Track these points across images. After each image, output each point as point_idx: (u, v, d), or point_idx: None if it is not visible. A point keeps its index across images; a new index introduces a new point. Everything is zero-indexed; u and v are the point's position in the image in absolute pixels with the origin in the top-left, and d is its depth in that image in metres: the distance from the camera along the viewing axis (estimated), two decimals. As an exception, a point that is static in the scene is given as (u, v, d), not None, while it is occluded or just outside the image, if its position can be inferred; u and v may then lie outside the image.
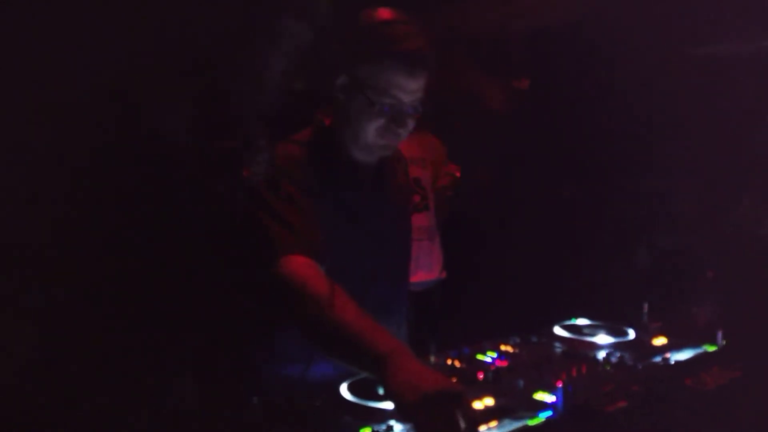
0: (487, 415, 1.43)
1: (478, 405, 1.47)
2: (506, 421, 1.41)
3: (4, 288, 1.31)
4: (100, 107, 1.34)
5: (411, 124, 1.90)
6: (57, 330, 1.37)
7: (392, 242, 2.05)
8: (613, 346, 1.92)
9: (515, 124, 3.91)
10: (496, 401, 1.49)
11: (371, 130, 1.87)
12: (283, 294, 1.67)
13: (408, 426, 1.40)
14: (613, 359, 1.78)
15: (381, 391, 1.40)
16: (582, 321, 2.14)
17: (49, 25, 1.28)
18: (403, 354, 1.42)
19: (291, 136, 2.01)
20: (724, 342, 1.94)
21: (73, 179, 1.35)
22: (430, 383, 1.33)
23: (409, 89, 1.84)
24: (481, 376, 1.66)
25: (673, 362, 1.78)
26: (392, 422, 1.37)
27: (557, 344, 1.96)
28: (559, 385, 1.51)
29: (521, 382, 1.60)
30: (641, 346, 1.93)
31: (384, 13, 1.88)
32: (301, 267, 1.67)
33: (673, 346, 1.93)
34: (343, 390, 1.52)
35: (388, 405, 1.43)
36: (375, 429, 1.33)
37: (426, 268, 3.63)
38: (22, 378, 1.33)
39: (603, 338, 1.96)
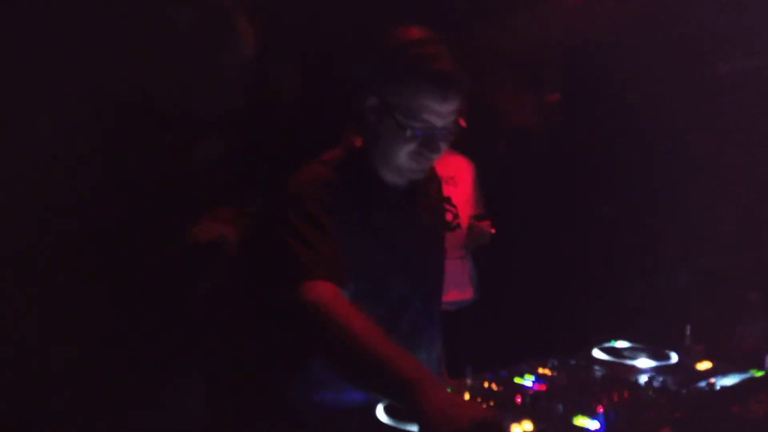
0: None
1: (516, 430, 1.43)
2: (545, 448, 1.38)
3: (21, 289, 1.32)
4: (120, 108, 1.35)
5: (443, 147, 1.85)
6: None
7: (425, 264, 2.02)
8: (655, 370, 1.87)
9: (551, 142, 3.88)
10: (535, 426, 1.45)
11: (402, 154, 1.83)
12: (306, 320, 1.64)
13: None
14: (656, 384, 1.73)
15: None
16: (622, 343, 2.09)
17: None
18: (430, 381, 1.40)
19: (320, 156, 1.98)
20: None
21: (97, 201, 1.36)
22: (466, 415, 1.31)
23: (442, 113, 1.79)
24: (519, 400, 1.62)
25: (718, 388, 1.73)
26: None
27: (597, 367, 1.91)
28: (601, 410, 1.47)
29: (560, 407, 1.56)
30: (684, 370, 1.87)
31: (414, 32, 1.83)
32: (325, 292, 1.64)
33: (718, 370, 1.87)
34: (379, 412, 1.49)
35: (424, 429, 1.41)
36: (410, 453, 1.30)
37: (459, 287, 3.60)
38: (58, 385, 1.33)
39: (644, 362, 1.91)
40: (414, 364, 1.44)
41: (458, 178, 3.65)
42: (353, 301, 1.68)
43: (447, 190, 3.57)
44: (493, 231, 3.46)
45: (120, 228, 1.43)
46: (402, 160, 1.85)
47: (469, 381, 1.75)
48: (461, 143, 3.67)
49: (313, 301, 1.62)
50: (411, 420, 1.45)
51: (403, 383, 1.38)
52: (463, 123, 1.85)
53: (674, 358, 1.95)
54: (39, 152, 1.32)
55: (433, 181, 2.15)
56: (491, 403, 1.59)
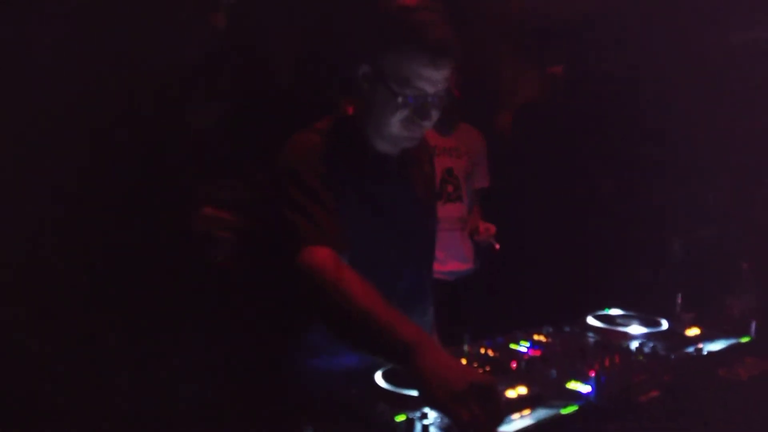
0: (520, 404, 1.46)
1: (511, 394, 1.49)
2: (539, 410, 1.43)
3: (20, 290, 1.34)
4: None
5: (435, 115, 1.86)
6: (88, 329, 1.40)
7: (417, 233, 2.03)
8: (646, 337, 1.92)
9: (550, 115, 3.90)
10: (530, 390, 1.50)
11: (395, 122, 1.85)
12: (306, 285, 1.66)
13: (441, 415, 1.42)
14: (646, 349, 1.79)
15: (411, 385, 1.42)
16: (615, 311, 2.15)
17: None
18: (429, 345, 1.42)
19: (312, 124, 2.00)
20: (758, 333, 1.93)
21: (93, 180, 1.37)
22: (463, 377, 1.34)
23: (434, 80, 1.79)
24: (514, 365, 1.68)
25: (706, 353, 1.79)
26: (426, 409, 1.39)
27: (590, 334, 1.97)
28: (592, 374, 1.52)
29: (554, 372, 1.62)
30: (674, 336, 1.93)
31: (408, 5, 1.81)
32: (324, 258, 1.66)
33: (707, 336, 1.93)
34: (378, 378, 1.54)
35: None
36: (410, 416, 1.35)
37: (459, 259, 3.64)
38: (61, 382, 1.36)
39: (636, 329, 1.97)
40: (413, 328, 1.46)
41: (462, 150, 3.65)
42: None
43: (449, 162, 3.58)
44: (497, 247, 3.43)
45: (117, 215, 1.46)
46: (394, 128, 1.86)
47: (466, 347, 1.81)
48: (466, 114, 3.71)
49: (313, 266, 1.64)
50: (409, 384, 1.49)
51: (401, 346, 1.41)
52: (456, 92, 1.87)
53: (665, 325, 2.00)
54: (28, 141, 1.34)
55: (424, 151, 2.16)
56: (488, 369, 1.64)
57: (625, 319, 2.05)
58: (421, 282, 2.05)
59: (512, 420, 1.39)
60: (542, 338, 1.93)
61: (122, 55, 1.40)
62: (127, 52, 1.40)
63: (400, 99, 1.80)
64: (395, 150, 1.95)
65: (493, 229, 3.44)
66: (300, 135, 1.93)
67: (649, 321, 2.02)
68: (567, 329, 2.02)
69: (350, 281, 1.59)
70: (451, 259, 3.57)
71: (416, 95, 1.80)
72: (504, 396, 1.48)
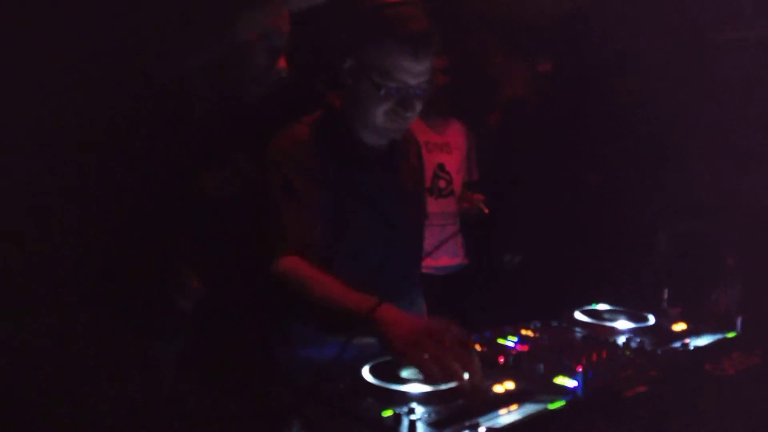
0: (507, 399, 1.45)
1: (498, 389, 1.49)
2: (527, 405, 1.43)
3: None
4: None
5: (419, 106, 1.89)
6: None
7: (404, 225, 2.05)
8: (633, 332, 1.93)
9: (537, 111, 3.90)
10: (517, 385, 1.51)
11: (379, 114, 1.87)
12: (278, 290, 1.81)
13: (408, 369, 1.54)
14: (633, 344, 1.79)
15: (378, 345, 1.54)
16: (602, 306, 2.16)
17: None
18: (387, 306, 1.55)
19: (301, 118, 2.01)
20: (744, 328, 1.94)
21: (69, 179, 1.35)
22: (415, 324, 1.50)
23: (415, 72, 1.83)
24: (502, 360, 1.68)
25: (692, 348, 1.79)
26: (414, 404, 1.39)
27: (578, 329, 1.98)
28: (580, 369, 1.52)
29: (542, 367, 1.62)
30: (661, 331, 1.94)
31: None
32: (291, 267, 1.77)
33: (693, 331, 1.93)
34: (365, 373, 1.54)
35: (410, 387, 1.46)
36: (397, 411, 1.35)
37: (450, 254, 3.65)
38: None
39: (623, 323, 1.98)
40: (368, 297, 1.59)
41: (453, 145, 3.67)
42: (333, 261, 1.82)
43: (441, 157, 3.59)
44: (486, 212, 3.46)
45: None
46: (379, 120, 1.89)
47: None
48: (456, 110, 3.72)
49: (282, 275, 1.78)
50: (395, 381, 1.51)
51: (364, 311, 1.54)
52: (443, 78, 1.90)
53: (652, 320, 2.01)
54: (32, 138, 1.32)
55: (411, 144, 2.18)
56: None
57: (612, 314, 2.06)
58: (408, 273, 2.08)
59: (499, 415, 1.39)
60: (530, 333, 1.93)
61: (114, 51, 1.38)
62: (118, 47, 1.39)
63: (383, 91, 1.83)
64: (382, 142, 1.97)
65: (481, 196, 3.49)
66: (288, 128, 1.95)
67: (635, 316, 2.03)
68: (554, 324, 2.03)
69: (313, 278, 1.73)
70: (443, 254, 3.58)
71: (399, 87, 1.84)
72: (491, 390, 1.48)
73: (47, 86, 1.31)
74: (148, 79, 1.37)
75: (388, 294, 1.87)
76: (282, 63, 1.56)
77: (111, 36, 1.32)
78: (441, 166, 3.57)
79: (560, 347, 1.79)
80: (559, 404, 1.44)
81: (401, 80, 1.82)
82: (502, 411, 1.40)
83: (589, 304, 2.17)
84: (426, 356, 1.42)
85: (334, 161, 1.90)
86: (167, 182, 1.47)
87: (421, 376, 1.46)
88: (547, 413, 1.41)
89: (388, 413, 1.36)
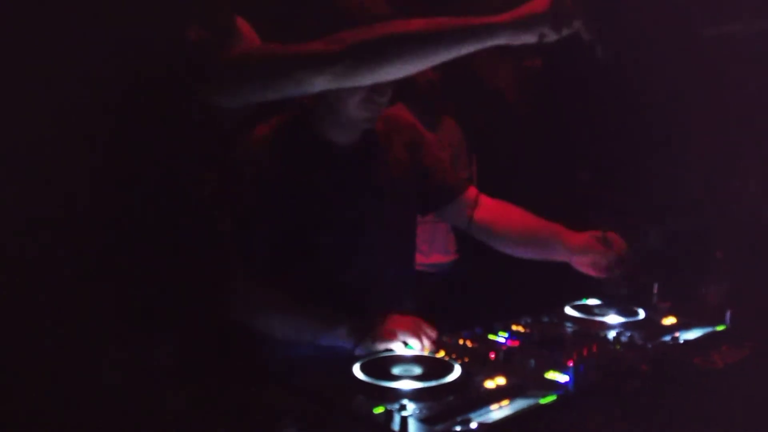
0: (498, 394, 1.46)
1: (490, 384, 1.49)
2: (518, 400, 1.43)
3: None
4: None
5: (389, 93, 1.90)
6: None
7: (383, 221, 2.03)
8: (624, 326, 1.93)
9: (527, 105, 3.91)
10: (508, 381, 1.51)
11: (352, 105, 1.87)
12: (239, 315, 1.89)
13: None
14: (624, 339, 1.80)
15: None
16: (593, 301, 2.16)
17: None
18: (350, 320, 1.82)
19: (270, 119, 2.01)
20: (733, 321, 1.95)
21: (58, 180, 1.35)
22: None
23: None
24: (493, 356, 1.68)
25: (682, 341, 1.80)
26: (405, 401, 1.39)
27: (568, 324, 1.98)
28: (571, 364, 1.53)
29: (533, 362, 1.62)
30: (651, 325, 1.94)
31: None
32: (247, 297, 1.88)
33: (683, 325, 1.94)
34: (356, 370, 1.54)
35: (401, 384, 1.47)
36: (388, 408, 1.35)
37: (442, 251, 3.65)
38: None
39: (613, 318, 1.98)
40: (327, 314, 1.85)
41: (446, 142, 3.67)
42: (311, 265, 1.93)
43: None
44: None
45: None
46: (352, 111, 1.89)
47: (445, 338, 1.81)
48: (446, 107, 3.72)
49: (240, 308, 1.87)
50: (387, 378, 1.51)
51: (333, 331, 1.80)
52: (431, 76, 1.93)
53: (642, 314, 2.01)
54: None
55: (399, 135, 2.15)
56: (466, 360, 1.64)
57: (603, 309, 2.06)
58: (384, 271, 2.05)
59: (491, 410, 1.39)
60: (520, 329, 1.93)
61: (110, 49, 1.37)
62: (115, 46, 1.38)
63: None
64: (354, 138, 1.96)
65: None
66: (253, 129, 1.95)
67: (626, 310, 2.04)
68: (545, 319, 2.03)
69: (268, 305, 1.91)
70: (435, 251, 3.58)
71: None
72: (482, 386, 1.48)
73: (30, 84, 1.30)
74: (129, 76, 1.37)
75: (358, 291, 1.90)
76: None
77: (94, 33, 1.32)
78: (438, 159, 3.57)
79: (551, 342, 1.79)
80: (550, 399, 1.44)
81: None
82: (494, 406, 1.40)
83: (579, 299, 2.18)
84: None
85: (293, 160, 1.91)
86: (153, 182, 1.47)
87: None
88: (538, 408, 1.41)
89: (379, 410, 1.36)
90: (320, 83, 1.59)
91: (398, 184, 2.08)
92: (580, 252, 2.10)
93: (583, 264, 2.12)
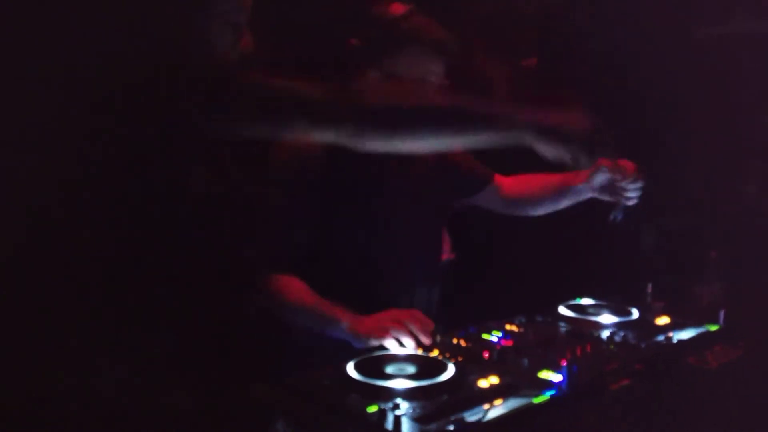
0: (492, 393, 1.46)
1: (483, 384, 1.49)
2: (511, 400, 1.43)
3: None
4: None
5: None
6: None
7: (408, 230, 2.10)
8: (617, 326, 1.93)
9: (523, 102, 3.90)
10: (502, 380, 1.51)
11: None
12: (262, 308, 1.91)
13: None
14: (617, 338, 1.80)
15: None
16: (586, 301, 2.16)
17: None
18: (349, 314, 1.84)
19: None
20: (727, 321, 1.95)
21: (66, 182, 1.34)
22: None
23: (439, 72, 1.96)
24: (486, 355, 1.68)
25: (676, 341, 1.80)
26: (399, 400, 1.39)
27: (562, 324, 1.98)
28: (564, 364, 1.53)
29: (526, 361, 1.62)
30: (645, 325, 1.94)
31: (397, 7, 1.99)
32: (274, 288, 1.93)
33: (676, 325, 1.94)
34: (350, 369, 1.54)
35: (395, 383, 1.46)
36: (382, 407, 1.35)
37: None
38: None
39: (607, 318, 1.98)
40: (334, 307, 1.86)
41: None
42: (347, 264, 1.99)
43: None
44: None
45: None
46: None
47: (438, 338, 1.80)
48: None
49: (265, 297, 1.94)
50: (380, 377, 1.51)
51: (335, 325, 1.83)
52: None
53: (635, 314, 2.01)
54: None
55: None
56: (460, 359, 1.64)
57: (596, 309, 2.06)
58: (426, 270, 2.17)
59: (484, 410, 1.39)
60: (514, 328, 1.93)
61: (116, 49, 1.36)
62: (122, 46, 1.37)
63: None
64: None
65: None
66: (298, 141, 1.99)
67: (619, 310, 2.04)
68: (539, 319, 2.03)
69: (290, 294, 1.93)
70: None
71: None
72: (476, 385, 1.48)
73: (26, 84, 1.29)
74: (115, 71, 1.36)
75: (389, 298, 1.93)
76: (245, 41, 1.56)
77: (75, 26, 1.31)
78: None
79: (545, 342, 1.79)
80: (543, 398, 1.44)
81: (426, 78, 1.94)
82: (487, 405, 1.40)
83: (573, 298, 2.18)
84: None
85: (339, 170, 1.95)
86: (150, 180, 1.46)
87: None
88: (531, 407, 1.41)
89: (373, 409, 1.36)
90: (323, 137, 1.55)
91: (425, 182, 2.16)
92: (593, 176, 2.17)
93: (597, 187, 2.21)
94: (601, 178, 2.15)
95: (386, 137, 1.53)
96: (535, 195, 2.39)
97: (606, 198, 2.18)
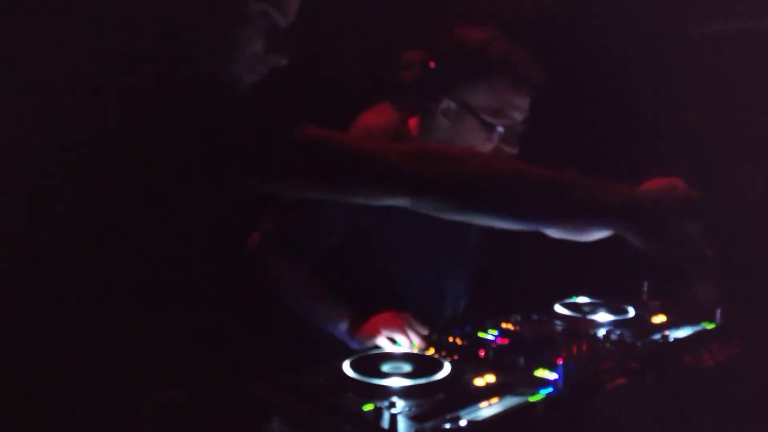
0: (488, 392, 1.45)
1: (479, 382, 1.49)
2: (507, 398, 1.43)
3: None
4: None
5: (516, 143, 1.93)
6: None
7: (461, 247, 2.13)
8: (613, 324, 1.93)
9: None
10: (498, 378, 1.51)
11: (473, 142, 1.88)
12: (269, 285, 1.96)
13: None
14: (613, 337, 1.80)
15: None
16: (582, 299, 2.16)
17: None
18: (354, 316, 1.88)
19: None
20: (723, 320, 1.95)
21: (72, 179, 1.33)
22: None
23: (523, 107, 1.88)
24: (482, 353, 1.67)
25: (672, 339, 1.80)
26: (395, 398, 1.39)
27: (558, 322, 1.98)
28: (560, 362, 1.52)
29: (522, 360, 1.62)
30: (641, 323, 1.94)
31: (479, 32, 1.90)
32: (286, 270, 1.94)
33: (673, 323, 1.94)
34: (346, 367, 1.53)
35: (391, 381, 1.46)
36: (378, 405, 1.34)
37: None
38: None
39: (603, 316, 1.98)
40: (340, 310, 1.89)
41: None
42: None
43: None
44: None
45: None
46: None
47: (434, 336, 1.80)
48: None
49: (278, 279, 1.96)
50: (376, 375, 1.51)
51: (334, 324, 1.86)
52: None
53: (631, 312, 2.01)
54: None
55: None
56: (456, 357, 1.64)
57: (593, 307, 2.06)
58: (444, 290, 2.16)
59: (480, 408, 1.38)
60: (510, 326, 1.93)
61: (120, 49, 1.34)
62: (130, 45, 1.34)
63: (493, 129, 1.86)
64: None
65: None
66: None
67: (615, 308, 2.04)
68: (535, 317, 2.03)
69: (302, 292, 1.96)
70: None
71: (506, 124, 1.87)
72: (472, 384, 1.48)
73: (31, 85, 1.28)
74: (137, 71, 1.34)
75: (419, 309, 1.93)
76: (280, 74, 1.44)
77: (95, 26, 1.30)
78: None
79: (541, 340, 1.79)
80: (539, 397, 1.44)
81: (512, 117, 1.84)
82: (483, 404, 1.40)
83: (569, 296, 2.18)
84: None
85: None
86: (161, 177, 1.45)
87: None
88: (528, 405, 1.41)
89: (368, 407, 1.36)
90: (388, 202, 1.34)
91: None
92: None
93: None
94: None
95: (460, 209, 1.39)
96: None
97: None
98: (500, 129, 1.86)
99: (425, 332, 1.79)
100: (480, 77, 1.86)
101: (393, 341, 1.76)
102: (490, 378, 1.51)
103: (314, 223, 1.94)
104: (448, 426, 1.28)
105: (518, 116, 1.88)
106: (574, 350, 1.69)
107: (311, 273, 1.96)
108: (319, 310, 1.93)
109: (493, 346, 1.73)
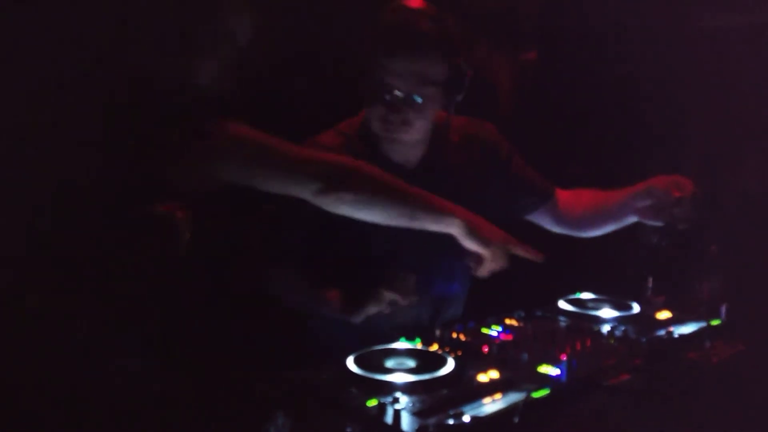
0: (491, 388, 1.45)
1: (482, 378, 1.48)
2: (510, 394, 1.43)
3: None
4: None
5: (412, 115, 1.86)
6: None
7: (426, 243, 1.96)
8: (617, 320, 1.93)
9: (520, 97, 3.89)
10: (501, 374, 1.50)
11: (374, 120, 1.87)
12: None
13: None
14: (617, 333, 1.79)
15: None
16: (586, 295, 2.15)
17: None
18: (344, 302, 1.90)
19: (337, 124, 2.00)
20: (728, 316, 1.94)
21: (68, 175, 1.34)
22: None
23: (404, 75, 1.81)
24: (486, 349, 1.67)
25: (676, 336, 1.79)
26: (398, 394, 1.38)
27: (562, 318, 1.97)
28: (564, 358, 1.52)
29: (526, 356, 1.61)
30: (645, 320, 1.94)
31: (399, 3, 1.87)
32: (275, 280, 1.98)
33: (677, 320, 1.94)
34: (350, 363, 1.53)
35: (394, 377, 1.46)
36: (381, 401, 1.34)
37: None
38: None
39: (607, 312, 1.98)
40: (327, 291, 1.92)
41: None
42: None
43: None
44: None
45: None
46: (375, 127, 1.88)
47: (438, 332, 1.80)
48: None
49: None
50: (380, 371, 1.51)
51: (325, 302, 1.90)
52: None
53: (636, 308, 2.01)
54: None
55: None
56: (459, 353, 1.64)
57: (597, 303, 2.06)
58: (433, 281, 2.09)
59: (483, 404, 1.38)
60: (513, 322, 1.93)
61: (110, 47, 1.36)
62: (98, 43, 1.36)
63: (377, 95, 1.84)
64: (410, 158, 1.98)
65: None
66: (322, 136, 1.93)
67: (620, 304, 2.03)
68: (538, 313, 2.02)
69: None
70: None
71: (390, 92, 1.83)
72: (475, 380, 1.48)
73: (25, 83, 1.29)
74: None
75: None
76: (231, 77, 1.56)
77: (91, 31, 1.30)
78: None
79: (544, 336, 1.79)
80: (543, 393, 1.44)
81: (392, 84, 1.81)
82: (486, 400, 1.40)
83: (573, 292, 2.17)
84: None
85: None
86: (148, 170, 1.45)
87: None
88: (531, 402, 1.41)
89: (372, 403, 1.36)
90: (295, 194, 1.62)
91: (473, 195, 1.96)
92: (643, 197, 2.05)
93: (643, 209, 2.06)
94: (652, 196, 2.02)
95: (353, 208, 1.65)
96: (587, 216, 2.23)
97: (653, 222, 2.06)
98: (398, 94, 1.82)
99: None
100: (372, 44, 1.85)
101: (399, 337, 1.75)
102: (493, 374, 1.50)
103: (291, 225, 1.95)
104: (451, 422, 1.28)
105: (402, 85, 1.82)
106: (578, 346, 1.69)
107: (298, 271, 1.97)
108: (310, 292, 1.96)
109: (497, 342, 1.72)
